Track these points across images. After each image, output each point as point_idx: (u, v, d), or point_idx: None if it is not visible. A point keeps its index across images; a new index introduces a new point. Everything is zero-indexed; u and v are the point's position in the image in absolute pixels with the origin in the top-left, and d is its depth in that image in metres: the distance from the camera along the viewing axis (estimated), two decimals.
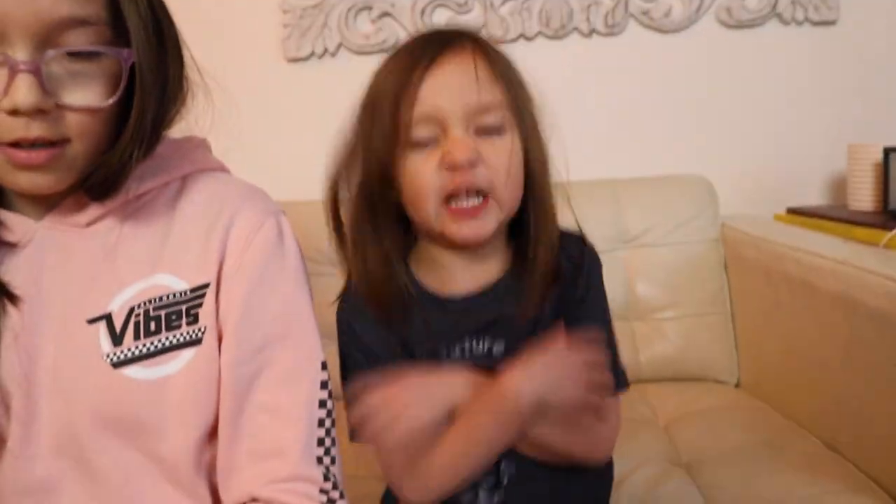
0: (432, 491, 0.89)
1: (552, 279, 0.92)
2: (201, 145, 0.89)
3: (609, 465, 1.02)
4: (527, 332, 0.90)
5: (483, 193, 0.87)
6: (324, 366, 0.83)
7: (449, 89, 0.86)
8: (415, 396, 0.87)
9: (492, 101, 0.87)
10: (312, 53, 2.00)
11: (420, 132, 0.86)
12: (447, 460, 0.87)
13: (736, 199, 1.94)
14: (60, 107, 0.70)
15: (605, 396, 0.89)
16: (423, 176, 0.87)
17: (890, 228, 1.49)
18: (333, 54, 1.99)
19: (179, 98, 0.80)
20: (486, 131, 0.87)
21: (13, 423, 0.74)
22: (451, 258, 0.94)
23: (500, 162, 0.87)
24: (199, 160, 0.87)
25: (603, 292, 0.96)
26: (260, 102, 1.82)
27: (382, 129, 0.87)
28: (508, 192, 0.89)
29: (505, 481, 0.91)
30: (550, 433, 0.88)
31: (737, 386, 1.75)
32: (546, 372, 0.85)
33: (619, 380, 0.95)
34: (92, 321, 0.76)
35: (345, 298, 0.96)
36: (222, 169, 0.90)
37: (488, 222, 0.88)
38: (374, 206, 0.91)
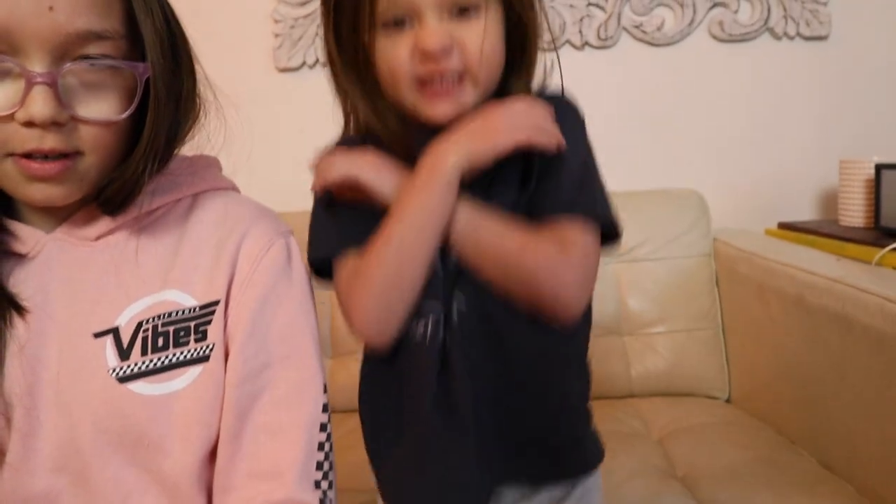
0: (375, 301, 0.84)
1: None
2: (213, 164, 0.90)
3: (584, 323, 0.93)
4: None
5: (459, 75, 0.85)
6: (325, 388, 0.83)
7: None
8: (371, 160, 0.87)
9: None
10: (304, 63, 2.00)
11: (392, 14, 0.83)
12: (383, 248, 0.83)
13: (727, 213, 1.95)
14: (75, 119, 0.70)
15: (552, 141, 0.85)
16: (396, 60, 0.84)
17: (881, 245, 1.49)
18: (325, 65, 1.98)
19: (192, 114, 0.80)
20: (462, 12, 0.84)
21: (13, 436, 0.73)
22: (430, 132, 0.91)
23: (476, 43, 0.84)
24: (210, 179, 0.87)
25: (581, 139, 0.94)
26: (250, 113, 1.80)
27: (352, 14, 0.86)
28: (484, 72, 0.86)
29: (455, 316, 0.87)
30: (493, 228, 0.84)
31: (727, 401, 1.75)
32: (470, 128, 0.84)
33: (605, 220, 0.89)
34: (98, 335, 0.76)
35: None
36: (233, 188, 0.90)
37: (464, 100, 0.86)
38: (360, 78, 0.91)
